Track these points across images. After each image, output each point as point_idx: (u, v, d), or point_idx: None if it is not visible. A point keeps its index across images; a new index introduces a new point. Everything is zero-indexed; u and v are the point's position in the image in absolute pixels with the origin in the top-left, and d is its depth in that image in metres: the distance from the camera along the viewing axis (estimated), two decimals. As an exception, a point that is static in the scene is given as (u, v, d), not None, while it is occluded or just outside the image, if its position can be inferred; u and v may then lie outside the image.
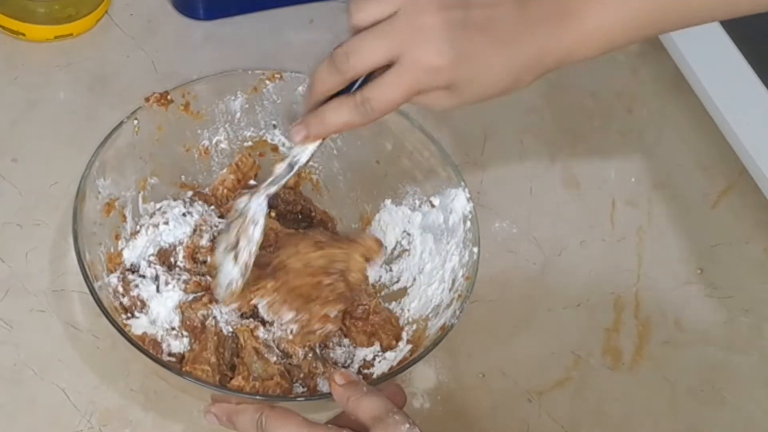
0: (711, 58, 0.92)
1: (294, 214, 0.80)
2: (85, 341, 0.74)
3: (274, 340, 0.71)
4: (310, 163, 0.71)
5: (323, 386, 0.71)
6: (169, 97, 0.77)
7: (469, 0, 0.61)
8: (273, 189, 0.69)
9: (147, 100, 0.76)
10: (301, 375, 0.71)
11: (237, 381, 0.68)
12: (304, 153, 0.67)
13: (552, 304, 0.81)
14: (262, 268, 0.70)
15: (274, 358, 0.70)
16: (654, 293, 0.83)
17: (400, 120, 0.79)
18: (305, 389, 0.70)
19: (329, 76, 0.63)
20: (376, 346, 0.73)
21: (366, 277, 0.73)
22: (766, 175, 0.85)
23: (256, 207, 0.68)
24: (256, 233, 0.68)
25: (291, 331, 0.70)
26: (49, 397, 0.71)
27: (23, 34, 0.89)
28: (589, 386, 0.77)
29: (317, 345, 0.72)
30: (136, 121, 0.76)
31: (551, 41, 0.63)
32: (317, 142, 0.66)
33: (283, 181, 0.68)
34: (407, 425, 0.60)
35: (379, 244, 0.72)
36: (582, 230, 0.86)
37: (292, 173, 0.68)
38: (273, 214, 0.77)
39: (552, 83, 0.96)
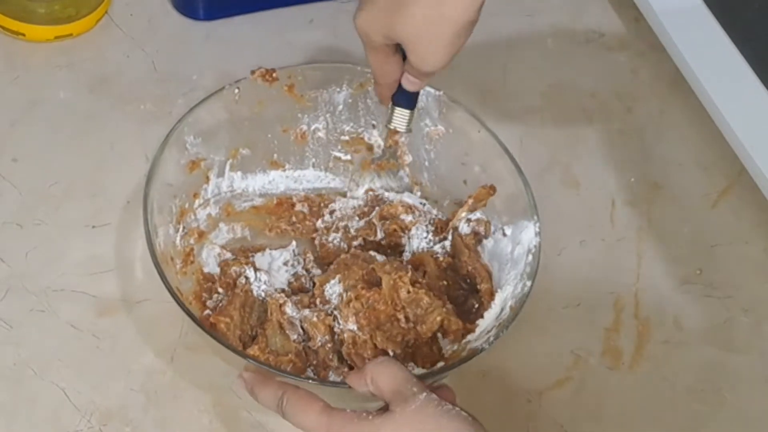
0: (711, 58, 0.93)
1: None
2: (85, 341, 0.74)
3: (300, 320, 0.72)
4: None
5: (334, 379, 0.71)
6: (275, 74, 0.78)
7: None
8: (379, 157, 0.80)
9: (253, 72, 0.77)
10: (315, 361, 0.72)
11: (253, 350, 0.69)
12: (401, 120, 0.77)
13: (552, 303, 0.81)
14: (369, 273, 0.73)
15: (295, 336, 0.71)
16: (654, 293, 0.83)
17: (491, 143, 0.79)
18: (316, 376, 0.71)
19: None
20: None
21: (434, 337, 0.74)
22: (765, 175, 0.85)
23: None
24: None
25: (340, 334, 0.72)
26: (49, 397, 0.71)
27: (23, 35, 0.89)
28: (589, 386, 0.77)
29: (337, 337, 0.72)
30: (237, 90, 0.77)
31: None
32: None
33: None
34: (424, 394, 0.61)
35: (458, 323, 0.73)
36: (582, 230, 0.86)
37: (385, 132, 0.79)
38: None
39: (552, 83, 0.96)
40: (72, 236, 0.79)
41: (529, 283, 0.72)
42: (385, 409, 0.62)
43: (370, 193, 0.82)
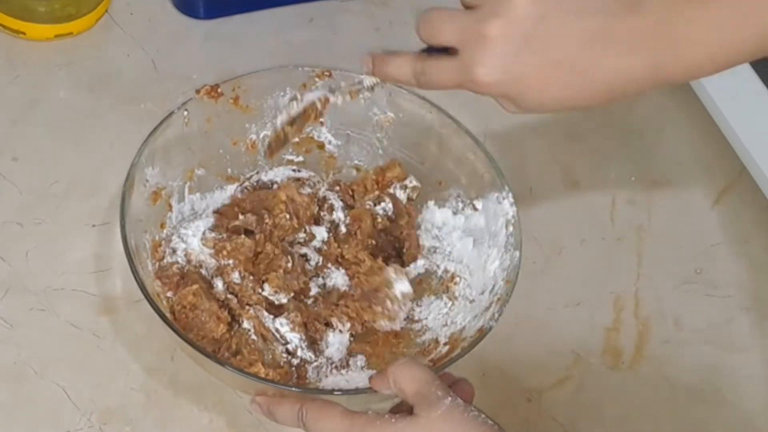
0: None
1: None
2: (85, 340, 0.74)
3: (276, 330, 0.72)
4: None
5: (311, 374, 0.72)
6: (219, 89, 0.78)
7: (546, 14, 0.59)
8: (334, 94, 0.72)
9: (198, 92, 0.77)
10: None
11: (257, 368, 0.69)
12: (369, 79, 0.69)
13: (552, 303, 0.81)
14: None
15: (280, 348, 0.71)
16: (654, 292, 0.83)
17: (445, 122, 0.79)
18: (297, 377, 0.71)
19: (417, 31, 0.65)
20: None
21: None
22: (766, 174, 0.85)
23: (312, 96, 0.72)
24: (294, 106, 0.73)
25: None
26: (49, 396, 0.71)
27: (24, 33, 0.89)
28: (589, 385, 0.77)
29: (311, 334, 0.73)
30: (186, 112, 0.77)
31: (635, 67, 0.59)
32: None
33: (342, 86, 0.72)
34: (449, 398, 0.60)
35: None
36: (582, 229, 0.86)
37: (354, 89, 0.71)
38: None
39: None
40: (72, 235, 0.79)
41: (517, 254, 0.73)
42: (409, 411, 0.61)
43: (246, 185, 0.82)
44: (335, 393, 0.67)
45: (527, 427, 0.75)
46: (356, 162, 0.84)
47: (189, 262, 0.74)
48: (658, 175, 0.91)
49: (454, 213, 0.80)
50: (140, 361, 0.73)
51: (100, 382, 0.72)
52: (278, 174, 0.81)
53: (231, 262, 0.73)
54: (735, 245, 0.87)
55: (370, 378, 0.65)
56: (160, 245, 0.75)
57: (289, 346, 0.71)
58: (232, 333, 0.72)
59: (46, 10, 0.90)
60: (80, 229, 0.79)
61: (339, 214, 0.79)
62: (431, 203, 0.82)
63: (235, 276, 0.73)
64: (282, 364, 0.71)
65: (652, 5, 0.59)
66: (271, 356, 0.71)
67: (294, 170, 0.82)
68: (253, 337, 0.71)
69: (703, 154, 0.93)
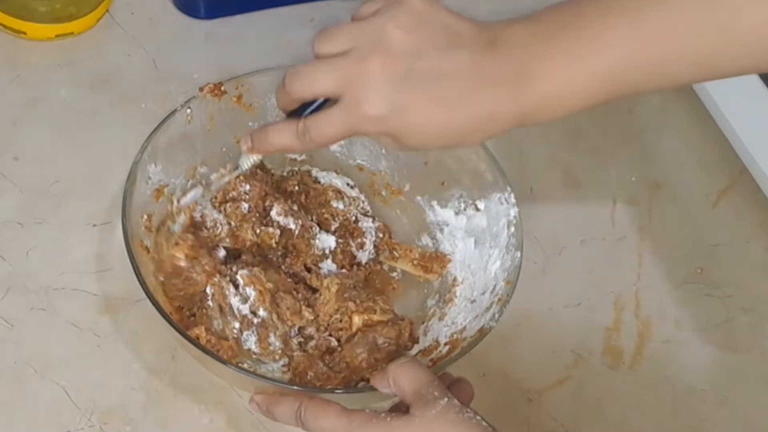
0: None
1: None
2: (85, 340, 0.74)
3: (238, 309, 0.72)
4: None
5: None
6: (222, 88, 0.78)
7: (421, 50, 0.61)
8: (212, 186, 0.75)
9: (201, 90, 0.78)
10: (246, 322, 0.72)
11: (199, 330, 0.70)
12: (247, 161, 0.70)
13: (552, 303, 0.81)
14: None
15: (236, 324, 0.71)
16: (654, 292, 0.83)
17: None
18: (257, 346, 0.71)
19: (281, 93, 0.66)
20: None
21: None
22: (766, 174, 0.85)
23: (190, 198, 0.75)
24: (179, 220, 0.75)
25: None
26: (49, 396, 0.71)
27: (24, 33, 0.89)
28: (590, 385, 0.77)
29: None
30: (189, 110, 0.77)
31: (503, 105, 0.61)
32: (261, 155, 0.70)
33: (223, 182, 0.74)
34: (446, 399, 0.61)
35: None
36: (582, 229, 0.86)
37: (232, 176, 0.74)
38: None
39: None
40: (73, 235, 0.79)
41: (518, 254, 0.73)
42: (406, 410, 0.62)
43: (296, 167, 0.83)
44: (336, 392, 0.68)
45: (527, 427, 0.75)
46: (359, 162, 0.84)
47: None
48: (659, 175, 0.91)
49: (456, 213, 0.80)
50: (141, 361, 0.73)
51: (101, 382, 0.72)
52: (328, 177, 0.82)
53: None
54: (735, 245, 0.87)
55: (371, 376, 0.66)
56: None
57: (250, 304, 0.72)
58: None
59: (46, 10, 0.90)
60: (81, 228, 0.79)
61: (369, 247, 0.79)
62: (434, 203, 0.82)
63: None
64: (229, 338, 0.71)
65: (507, 44, 0.61)
66: (221, 327, 0.71)
67: (348, 184, 0.82)
68: (210, 302, 0.71)
69: (703, 154, 0.93)
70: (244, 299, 0.71)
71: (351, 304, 0.73)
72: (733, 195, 0.91)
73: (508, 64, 0.61)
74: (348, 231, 0.80)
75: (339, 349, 0.72)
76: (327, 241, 0.78)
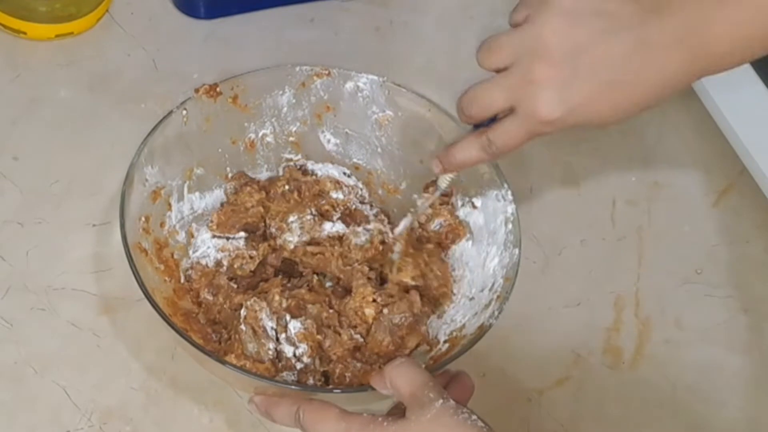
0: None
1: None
2: (85, 340, 0.74)
3: (274, 328, 0.71)
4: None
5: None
6: (218, 89, 0.78)
7: (580, 47, 0.62)
8: (421, 212, 0.79)
9: (197, 91, 0.78)
10: (297, 367, 0.72)
11: (229, 358, 0.69)
12: (444, 180, 0.75)
13: (552, 303, 0.81)
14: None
15: (271, 345, 0.71)
16: (654, 292, 0.83)
17: (444, 121, 0.79)
18: (294, 377, 0.71)
19: (462, 115, 0.69)
20: None
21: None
22: (766, 175, 0.85)
23: (402, 227, 0.78)
24: (396, 247, 0.77)
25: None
26: (49, 396, 0.71)
27: (24, 33, 0.89)
28: (590, 385, 0.77)
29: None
30: (185, 112, 0.77)
31: (680, 66, 0.63)
32: (455, 173, 0.74)
33: (429, 203, 0.78)
34: (441, 401, 0.61)
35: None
36: (582, 229, 0.86)
37: (436, 195, 0.77)
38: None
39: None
40: (73, 235, 0.79)
41: (516, 251, 0.74)
42: (403, 412, 0.62)
43: (291, 164, 0.83)
44: (334, 392, 0.68)
45: (527, 427, 0.75)
46: (355, 161, 0.84)
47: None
48: (659, 176, 0.91)
49: (456, 210, 0.80)
50: (140, 361, 0.73)
51: (100, 382, 0.72)
52: (324, 168, 0.82)
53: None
54: (735, 245, 0.87)
55: (370, 376, 0.66)
56: (162, 244, 0.76)
57: (297, 351, 0.71)
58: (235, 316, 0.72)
59: (46, 10, 0.90)
60: (80, 228, 0.79)
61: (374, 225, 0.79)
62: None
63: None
64: (265, 360, 0.70)
65: (673, 6, 0.62)
66: (256, 349, 0.70)
67: (345, 173, 0.83)
68: (242, 327, 0.71)
69: (703, 154, 0.93)
70: (292, 343, 0.71)
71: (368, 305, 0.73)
72: (732, 195, 0.91)
73: (678, 29, 0.62)
74: (351, 218, 0.80)
75: (365, 343, 0.72)
76: (335, 227, 0.78)
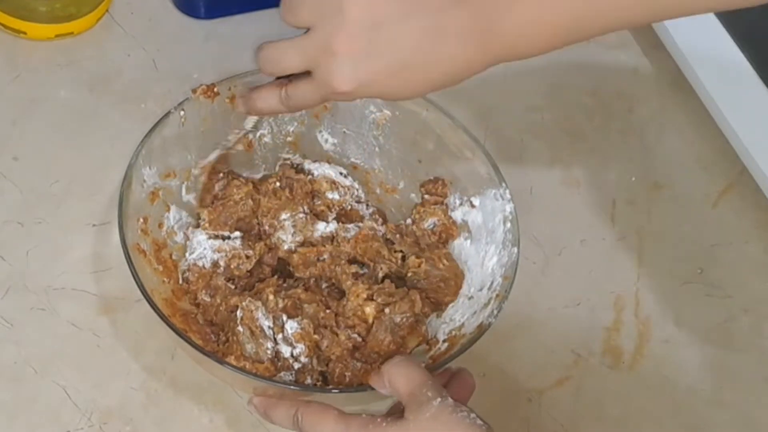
0: (711, 58, 0.93)
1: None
2: (85, 340, 0.74)
3: (271, 327, 0.72)
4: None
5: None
6: (215, 89, 0.78)
7: (380, 22, 0.63)
8: (227, 146, 0.80)
9: (194, 91, 0.77)
10: (294, 366, 0.72)
11: (230, 360, 0.69)
12: (249, 121, 0.79)
13: (552, 303, 0.81)
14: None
15: (268, 345, 0.71)
16: (654, 292, 0.83)
17: (442, 119, 0.79)
18: (292, 377, 0.71)
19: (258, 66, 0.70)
20: None
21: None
22: (766, 175, 0.85)
23: (211, 157, 0.80)
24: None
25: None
26: (49, 396, 0.71)
27: (24, 33, 0.89)
28: (590, 385, 0.77)
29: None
30: (182, 112, 0.77)
31: (473, 53, 0.64)
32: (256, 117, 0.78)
33: (235, 139, 0.80)
34: (439, 399, 0.61)
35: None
36: (582, 229, 0.86)
37: (241, 134, 0.79)
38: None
39: (552, 82, 0.96)
40: (73, 235, 0.79)
41: (515, 250, 0.74)
42: (402, 412, 0.62)
43: (286, 162, 0.83)
44: (333, 392, 0.68)
45: (527, 427, 0.75)
46: (353, 160, 0.84)
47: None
48: (659, 176, 0.91)
49: (452, 210, 0.80)
50: (140, 361, 0.73)
51: (100, 382, 0.72)
52: (321, 168, 0.82)
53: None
54: (735, 245, 0.87)
55: (369, 376, 0.66)
56: (162, 247, 0.76)
57: (294, 351, 0.71)
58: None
59: (46, 10, 0.90)
60: (80, 228, 0.79)
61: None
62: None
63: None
64: (264, 360, 0.70)
65: None
66: (254, 350, 0.70)
67: (342, 173, 0.83)
68: (239, 328, 0.71)
69: (703, 154, 0.93)
70: (289, 343, 0.71)
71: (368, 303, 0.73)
72: (732, 195, 0.91)
73: (473, 16, 0.63)
74: (347, 217, 0.80)
75: (364, 342, 0.72)
76: (329, 227, 0.78)
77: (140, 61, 0.91)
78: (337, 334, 0.72)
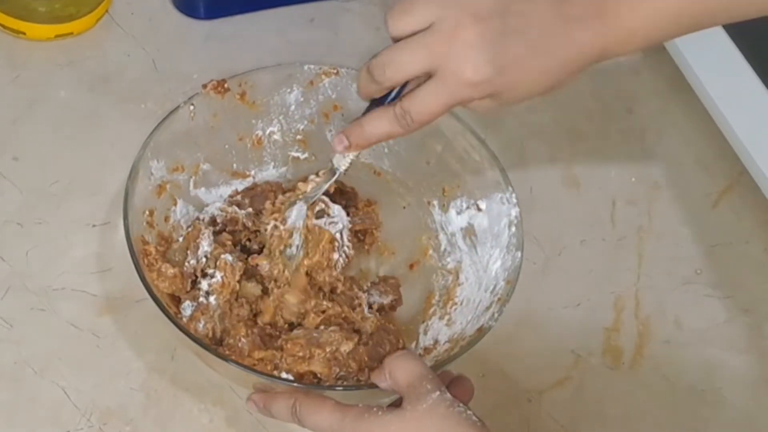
0: (711, 58, 0.92)
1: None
2: (85, 340, 0.74)
3: (208, 252, 0.73)
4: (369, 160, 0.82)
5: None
6: (226, 85, 0.78)
7: (504, 7, 0.61)
8: (313, 197, 0.71)
9: (204, 86, 0.77)
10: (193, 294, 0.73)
11: (150, 248, 0.72)
12: (344, 161, 0.69)
13: (552, 303, 0.81)
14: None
15: (192, 261, 0.73)
16: (654, 293, 0.83)
17: (451, 122, 0.79)
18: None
19: (368, 84, 0.64)
20: None
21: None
22: (766, 175, 0.85)
23: (296, 214, 0.71)
24: (295, 239, 0.71)
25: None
26: (49, 396, 0.71)
27: (24, 33, 0.89)
28: (590, 386, 0.77)
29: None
30: (192, 107, 0.77)
31: (588, 41, 0.62)
32: (357, 152, 0.68)
33: (322, 189, 0.71)
34: (438, 392, 0.61)
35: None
36: (582, 230, 0.86)
37: (331, 181, 0.70)
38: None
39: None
40: (72, 235, 0.79)
41: (519, 254, 0.73)
42: (399, 403, 0.62)
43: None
44: (336, 389, 0.68)
45: (527, 427, 0.75)
46: (362, 160, 0.83)
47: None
48: (659, 176, 0.91)
49: (458, 213, 0.80)
50: (140, 361, 0.73)
51: (100, 382, 0.72)
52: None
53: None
54: (735, 246, 0.87)
55: (371, 373, 0.66)
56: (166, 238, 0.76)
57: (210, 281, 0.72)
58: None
59: (46, 10, 0.90)
60: (80, 228, 0.79)
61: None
62: (436, 203, 0.82)
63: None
64: (176, 274, 0.72)
65: None
66: (178, 257, 0.73)
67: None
68: (180, 238, 0.74)
69: (703, 154, 0.93)
70: (212, 273, 0.72)
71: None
72: (732, 195, 0.91)
73: (587, 3, 0.62)
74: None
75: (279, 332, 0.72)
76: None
77: (140, 61, 0.91)
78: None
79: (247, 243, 0.77)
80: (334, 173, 0.70)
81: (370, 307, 0.75)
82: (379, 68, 0.62)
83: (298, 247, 0.71)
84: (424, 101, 0.62)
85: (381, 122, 0.64)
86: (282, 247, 0.72)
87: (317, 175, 0.72)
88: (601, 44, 0.63)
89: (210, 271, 0.73)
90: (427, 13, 0.61)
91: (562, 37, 0.62)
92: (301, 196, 0.72)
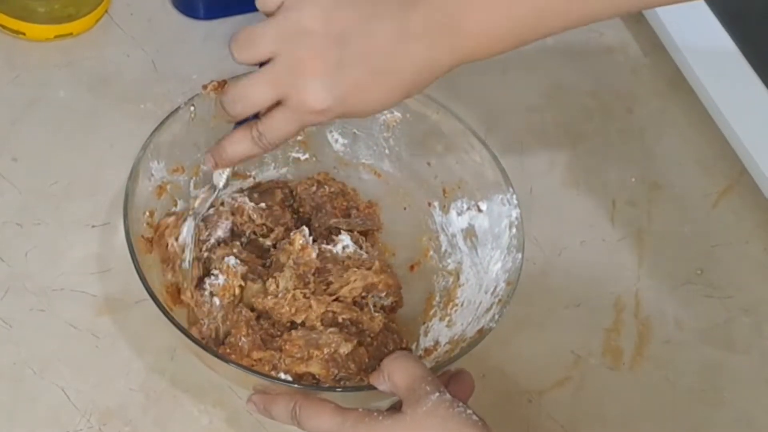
0: (711, 58, 0.93)
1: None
2: (84, 340, 0.74)
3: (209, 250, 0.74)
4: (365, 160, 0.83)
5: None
6: (226, 86, 0.78)
7: (345, 33, 0.62)
8: (200, 212, 0.75)
9: (204, 87, 0.77)
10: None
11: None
12: (221, 178, 0.73)
13: (552, 303, 0.81)
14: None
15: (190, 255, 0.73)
16: (654, 293, 0.83)
17: (451, 122, 0.79)
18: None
19: (225, 115, 0.68)
20: None
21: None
22: (766, 175, 0.85)
23: (186, 231, 0.74)
24: (186, 255, 0.73)
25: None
26: (48, 397, 0.71)
27: (23, 34, 0.89)
28: (590, 386, 0.77)
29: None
30: (192, 108, 0.77)
31: (434, 55, 0.64)
32: (229, 168, 0.72)
33: (207, 204, 0.75)
34: (437, 394, 0.61)
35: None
36: (582, 230, 0.86)
37: (213, 196, 0.74)
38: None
39: (552, 82, 0.96)
40: (72, 235, 0.79)
41: (519, 256, 0.74)
42: (399, 406, 0.62)
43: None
44: (337, 390, 0.68)
45: (527, 427, 0.75)
46: (363, 161, 0.84)
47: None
48: (659, 176, 0.91)
49: (459, 214, 0.80)
50: (140, 362, 0.73)
51: (100, 383, 0.72)
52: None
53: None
54: (735, 246, 0.87)
55: (370, 375, 0.66)
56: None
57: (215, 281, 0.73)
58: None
59: (45, 11, 0.90)
60: (80, 229, 0.79)
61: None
62: (436, 203, 0.82)
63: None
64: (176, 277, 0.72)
65: None
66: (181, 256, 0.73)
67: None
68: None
69: (703, 154, 0.93)
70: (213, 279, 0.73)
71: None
72: (732, 195, 0.91)
73: (435, 15, 0.63)
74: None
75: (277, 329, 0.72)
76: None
77: (139, 61, 0.91)
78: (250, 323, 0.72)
79: (253, 236, 0.77)
80: (215, 189, 0.74)
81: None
82: (230, 104, 0.66)
83: (189, 262, 0.73)
84: (277, 126, 0.66)
85: (241, 144, 0.68)
86: (179, 262, 0.73)
87: (202, 191, 0.75)
88: (453, 54, 0.64)
89: (214, 272, 0.73)
90: (270, 44, 0.63)
91: (404, 56, 0.63)
92: (190, 212, 0.74)
